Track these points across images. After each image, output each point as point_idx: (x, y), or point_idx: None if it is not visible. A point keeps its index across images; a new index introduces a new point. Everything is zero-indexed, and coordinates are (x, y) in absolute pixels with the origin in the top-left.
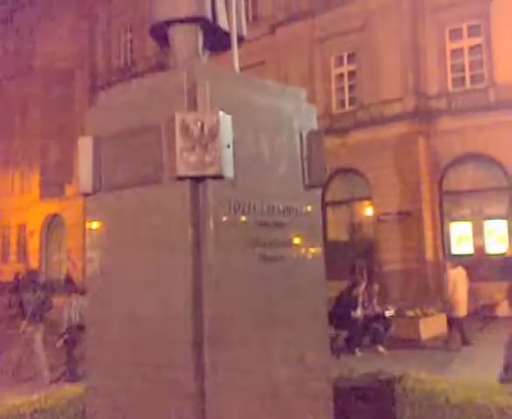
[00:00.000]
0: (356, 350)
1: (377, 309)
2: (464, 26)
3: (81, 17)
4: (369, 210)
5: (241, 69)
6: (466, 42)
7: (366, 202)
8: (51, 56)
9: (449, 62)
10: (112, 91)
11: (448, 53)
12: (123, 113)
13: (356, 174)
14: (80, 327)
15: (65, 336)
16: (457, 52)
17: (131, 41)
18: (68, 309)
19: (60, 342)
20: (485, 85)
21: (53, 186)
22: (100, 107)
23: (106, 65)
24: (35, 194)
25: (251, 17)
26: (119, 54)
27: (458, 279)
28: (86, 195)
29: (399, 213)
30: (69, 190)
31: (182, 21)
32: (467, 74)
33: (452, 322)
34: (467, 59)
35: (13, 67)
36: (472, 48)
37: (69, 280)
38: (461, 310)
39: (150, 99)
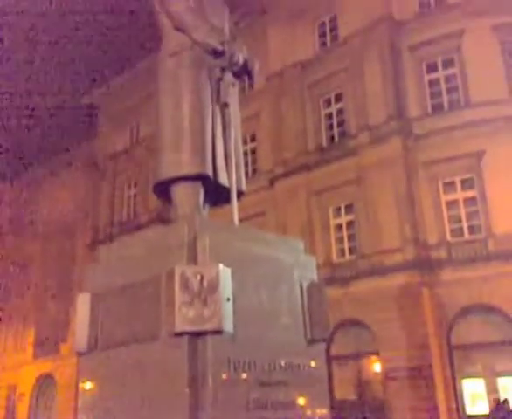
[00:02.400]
0: None
1: None
2: (457, 180)
3: (86, 174)
4: (377, 366)
5: (241, 220)
6: (460, 194)
7: (373, 357)
8: (54, 211)
9: (445, 213)
10: (112, 245)
11: (444, 205)
12: (123, 268)
13: (362, 326)
14: None
15: None
16: (452, 204)
17: (135, 196)
18: None
19: None
20: (483, 235)
21: (48, 344)
22: (100, 263)
23: (108, 218)
24: (28, 353)
25: (250, 172)
26: (122, 208)
27: None
28: (80, 354)
29: (408, 369)
30: (64, 349)
31: (184, 178)
32: (465, 225)
33: None
34: (462, 211)
35: (15, 222)
36: (467, 200)
37: None
38: None
39: (151, 252)
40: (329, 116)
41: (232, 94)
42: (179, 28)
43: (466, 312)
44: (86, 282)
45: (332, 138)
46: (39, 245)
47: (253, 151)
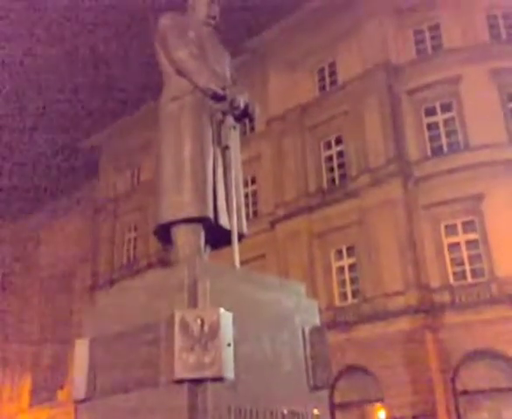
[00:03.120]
0: None
1: None
2: (458, 222)
3: (87, 217)
4: (381, 413)
5: (242, 262)
6: (462, 237)
7: (378, 404)
8: (54, 254)
9: (448, 256)
10: (112, 290)
11: (446, 247)
12: (122, 313)
13: (365, 372)
14: None
15: None
16: (455, 246)
17: (135, 239)
18: None
19: None
20: (486, 279)
21: (45, 391)
22: (99, 308)
23: (108, 262)
24: (24, 401)
25: (251, 214)
26: (122, 251)
27: None
28: (78, 401)
29: (413, 417)
30: (61, 396)
31: (185, 221)
32: (467, 268)
33: None
34: (465, 254)
35: (14, 265)
36: (469, 242)
37: None
38: None
39: (150, 296)
40: (330, 158)
41: (233, 137)
42: (181, 73)
43: (470, 357)
44: (84, 327)
45: (333, 180)
46: (38, 289)
47: (254, 193)
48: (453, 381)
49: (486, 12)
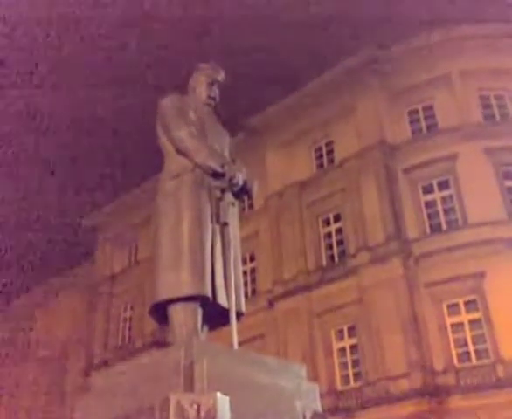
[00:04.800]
0: None
1: None
2: (461, 301)
3: (83, 296)
4: None
5: (240, 343)
6: (464, 316)
7: None
8: (49, 335)
9: (451, 336)
10: (105, 373)
11: (449, 327)
12: (116, 398)
13: None
14: None
15: None
16: (458, 327)
17: (130, 318)
18: None
19: None
20: (491, 360)
21: None
22: (93, 392)
23: (103, 342)
24: None
25: (250, 292)
26: (117, 331)
27: None
28: None
29: None
30: None
31: (182, 299)
32: (471, 349)
33: None
34: (468, 334)
35: (8, 344)
36: (472, 322)
37: None
38: None
39: (145, 379)
40: (329, 235)
41: (232, 214)
42: (181, 152)
43: None
44: (77, 411)
45: (332, 257)
46: (31, 370)
47: (253, 271)
48: None
49: (478, 93)
